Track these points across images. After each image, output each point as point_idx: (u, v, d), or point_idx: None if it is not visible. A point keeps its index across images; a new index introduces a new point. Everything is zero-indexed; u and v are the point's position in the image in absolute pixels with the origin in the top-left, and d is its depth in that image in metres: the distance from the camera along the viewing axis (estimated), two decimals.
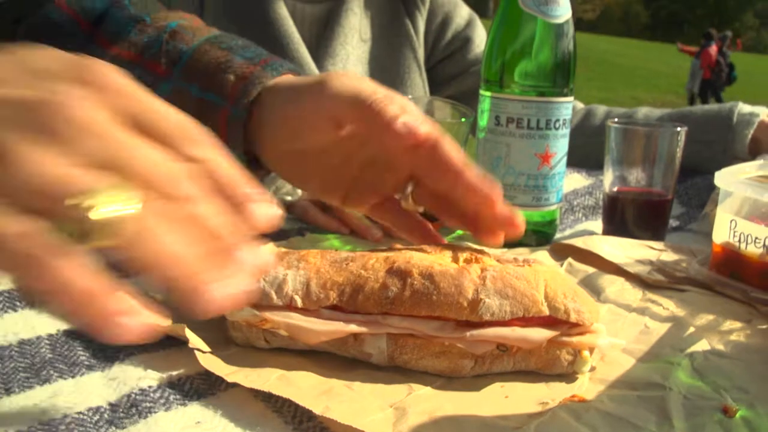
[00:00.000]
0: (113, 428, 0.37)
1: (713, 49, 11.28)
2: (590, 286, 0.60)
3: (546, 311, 0.43)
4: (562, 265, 0.65)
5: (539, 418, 0.39)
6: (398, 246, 0.50)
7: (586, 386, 0.44)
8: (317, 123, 0.53)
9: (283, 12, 0.99)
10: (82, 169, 0.27)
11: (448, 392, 0.42)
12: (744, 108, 0.95)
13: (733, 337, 0.52)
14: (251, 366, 0.43)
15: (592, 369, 0.45)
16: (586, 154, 0.95)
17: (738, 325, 0.54)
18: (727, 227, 0.63)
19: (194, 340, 0.44)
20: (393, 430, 0.37)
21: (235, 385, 0.42)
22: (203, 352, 0.43)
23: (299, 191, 0.76)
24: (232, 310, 0.44)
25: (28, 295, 0.50)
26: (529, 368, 0.45)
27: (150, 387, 0.41)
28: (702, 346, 0.49)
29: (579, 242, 0.68)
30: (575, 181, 0.92)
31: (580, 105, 1.11)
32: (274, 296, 0.44)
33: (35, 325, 0.48)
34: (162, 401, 0.40)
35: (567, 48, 0.70)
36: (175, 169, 0.30)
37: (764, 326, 0.54)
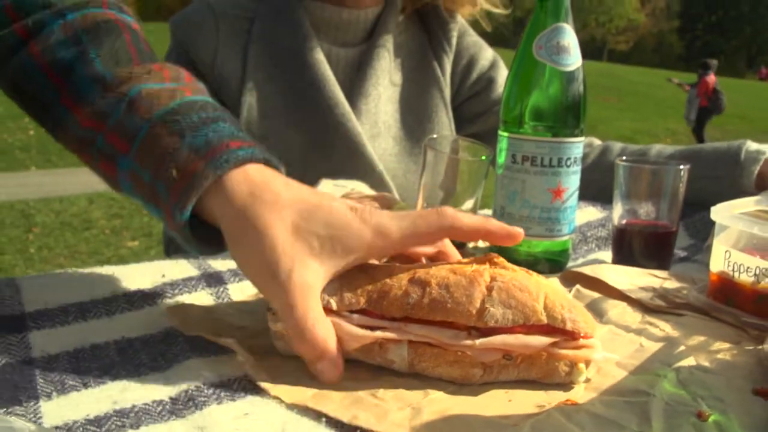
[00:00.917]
0: (174, 417, 0.45)
1: (711, 78, 11.46)
2: (594, 309, 0.67)
3: (544, 320, 0.50)
4: (570, 291, 0.71)
5: (535, 417, 0.45)
6: None
7: (581, 394, 0.50)
8: None
9: (320, 56, 1.08)
10: None
11: (459, 396, 0.49)
12: (752, 146, 1.00)
13: (720, 355, 0.57)
14: (292, 376, 0.50)
15: (587, 380, 0.52)
16: (601, 188, 1.01)
17: (726, 345, 0.60)
18: (722, 257, 0.69)
19: (241, 353, 0.51)
20: (409, 426, 0.44)
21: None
22: (248, 362, 0.51)
23: None
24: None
25: None
26: (531, 377, 0.51)
27: (204, 385, 0.49)
28: (689, 362, 0.55)
29: (587, 270, 0.75)
30: (590, 214, 0.99)
31: (597, 142, 1.17)
32: None
33: (104, 332, 0.56)
34: (214, 396, 0.47)
35: (577, 92, 0.77)
36: None
37: (751, 347, 0.60)
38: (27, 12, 0.61)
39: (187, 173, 0.52)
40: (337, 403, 0.47)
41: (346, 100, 1.07)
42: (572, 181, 0.78)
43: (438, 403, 0.48)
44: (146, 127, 0.55)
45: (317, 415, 0.46)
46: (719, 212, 0.70)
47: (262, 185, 0.52)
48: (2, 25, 0.61)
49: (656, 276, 0.76)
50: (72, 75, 0.59)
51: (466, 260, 0.56)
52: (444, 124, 1.19)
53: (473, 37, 1.26)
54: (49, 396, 0.46)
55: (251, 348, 0.52)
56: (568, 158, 0.77)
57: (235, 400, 0.47)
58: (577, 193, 0.80)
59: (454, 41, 1.22)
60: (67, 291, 0.61)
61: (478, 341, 0.49)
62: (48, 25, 0.61)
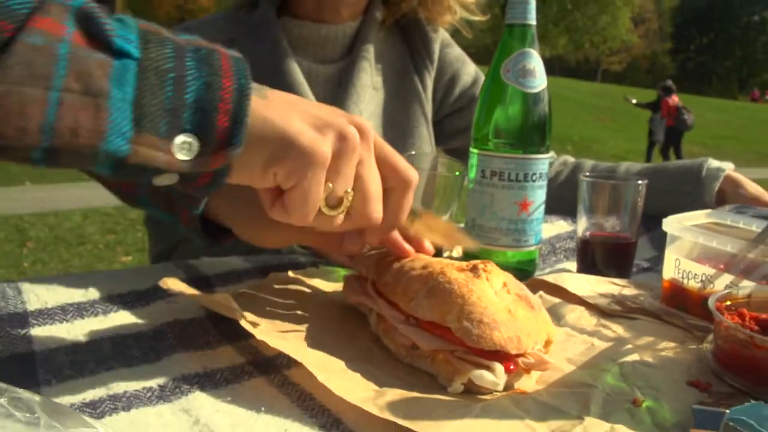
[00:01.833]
0: (162, 401, 0.50)
1: (673, 98, 11.85)
2: (554, 313, 0.72)
3: (451, 325, 0.54)
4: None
5: (486, 402, 0.51)
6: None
7: (532, 385, 0.55)
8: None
9: (298, 76, 1.10)
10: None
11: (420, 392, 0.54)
12: (713, 163, 1.06)
13: (664, 353, 0.63)
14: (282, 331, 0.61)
15: (464, 391, 0.54)
16: (573, 204, 1.07)
17: (672, 345, 0.65)
18: (673, 265, 0.75)
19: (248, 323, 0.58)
20: (372, 402, 0.49)
21: (254, 376, 0.54)
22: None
23: None
24: None
25: None
26: (431, 372, 0.56)
27: (190, 374, 0.54)
28: (633, 358, 0.61)
29: (550, 278, 0.80)
30: (560, 227, 1.04)
31: (571, 159, 1.23)
32: None
33: (100, 329, 0.61)
34: (198, 385, 0.52)
35: (542, 112, 0.83)
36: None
37: (694, 346, 0.65)
38: None
39: (198, 184, 0.63)
40: (314, 361, 0.53)
41: None
42: (538, 194, 0.84)
43: (399, 393, 0.53)
44: None
45: (285, 404, 0.51)
46: (670, 224, 0.76)
47: None
48: None
49: (616, 284, 0.82)
50: None
51: (465, 263, 0.61)
52: (425, 139, 1.22)
53: (456, 51, 1.28)
54: (48, 383, 0.51)
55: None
56: (534, 173, 0.82)
57: (217, 388, 0.52)
58: (543, 206, 0.85)
59: (436, 56, 1.23)
60: (66, 292, 0.67)
61: (399, 326, 0.58)
62: None
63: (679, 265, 0.74)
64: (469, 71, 1.28)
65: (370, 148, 0.57)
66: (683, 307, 0.74)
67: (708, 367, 0.60)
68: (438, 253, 0.80)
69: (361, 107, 1.14)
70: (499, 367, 0.53)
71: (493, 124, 0.83)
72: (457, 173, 0.88)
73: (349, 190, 0.55)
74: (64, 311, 0.63)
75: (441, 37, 1.25)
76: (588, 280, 0.81)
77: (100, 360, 0.56)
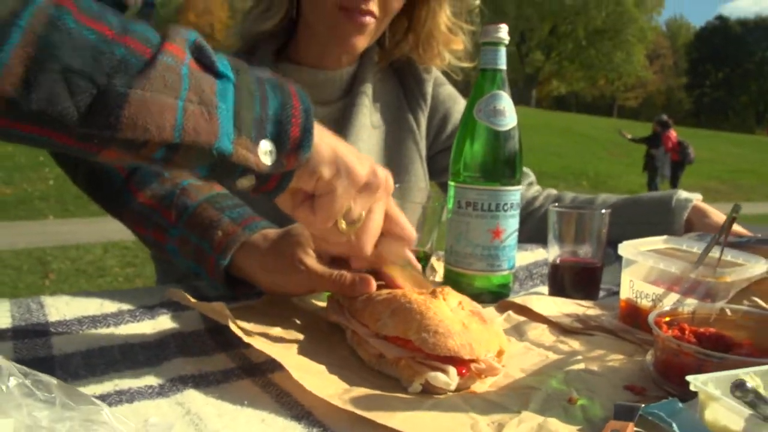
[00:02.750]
0: (160, 396, 0.58)
1: (672, 133, 11.92)
2: (518, 330, 0.79)
3: (411, 338, 0.62)
4: (502, 316, 0.84)
5: (437, 399, 0.58)
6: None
7: (484, 388, 0.63)
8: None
9: None
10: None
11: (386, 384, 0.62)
12: (682, 194, 1.14)
13: (610, 363, 0.70)
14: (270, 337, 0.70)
15: (423, 391, 0.61)
16: None
17: (620, 357, 0.72)
18: (628, 286, 0.82)
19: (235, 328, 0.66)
20: (339, 397, 0.57)
21: (241, 377, 0.62)
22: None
23: None
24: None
25: None
26: (396, 376, 0.63)
27: (186, 376, 0.62)
28: (580, 367, 0.68)
29: (518, 300, 0.88)
30: (538, 254, 1.12)
31: (553, 192, 1.31)
32: None
33: (111, 338, 0.70)
34: (192, 384, 0.61)
35: (512, 148, 0.91)
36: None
37: (640, 358, 0.72)
38: None
39: (228, 234, 0.80)
40: (293, 363, 0.61)
41: None
42: (510, 223, 0.92)
43: (365, 391, 0.61)
44: (195, 205, 0.84)
45: (268, 402, 0.59)
46: (625, 248, 0.83)
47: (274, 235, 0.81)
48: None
49: (581, 305, 0.89)
50: (138, 170, 0.88)
51: (426, 290, 0.71)
52: (419, 174, 1.30)
53: (447, 89, 1.36)
54: (65, 381, 0.60)
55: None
56: (506, 203, 0.90)
57: (209, 387, 0.60)
58: (515, 234, 0.93)
59: (429, 96, 1.31)
60: (83, 306, 0.75)
61: (369, 339, 0.66)
62: None
63: (633, 286, 0.82)
64: (460, 109, 1.34)
65: (388, 195, 0.71)
66: (637, 324, 0.81)
67: (648, 375, 0.67)
68: None
69: (360, 145, 1.21)
70: (452, 370, 0.60)
71: (468, 159, 0.92)
72: (436, 204, 0.96)
73: (363, 215, 0.68)
74: (80, 322, 0.72)
75: (434, 76, 1.33)
76: (555, 302, 0.89)
77: (109, 363, 0.64)
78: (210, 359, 0.66)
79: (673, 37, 59.21)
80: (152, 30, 0.56)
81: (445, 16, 1.21)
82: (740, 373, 0.54)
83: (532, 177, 1.35)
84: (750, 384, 0.46)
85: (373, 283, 0.73)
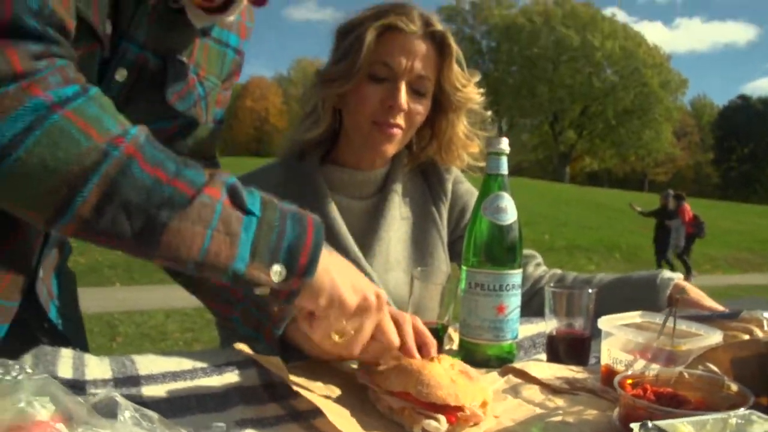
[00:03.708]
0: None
1: (686, 206, 11.80)
2: (515, 390, 0.91)
3: (410, 391, 0.76)
4: (503, 378, 0.96)
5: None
6: None
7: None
8: None
9: (335, 213, 1.32)
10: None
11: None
12: (665, 274, 1.26)
13: (585, 416, 0.81)
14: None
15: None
16: None
17: (595, 412, 0.84)
18: (607, 354, 0.94)
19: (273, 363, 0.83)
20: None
21: (289, 422, 0.76)
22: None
23: None
24: None
25: None
26: (401, 422, 0.77)
27: (245, 419, 0.76)
28: (558, 419, 0.80)
29: (518, 365, 1.00)
30: (541, 327, 1.23)
31: (558, 272, 1.43)
32: None
33: (187, 389, 0.84)
34: (251, 425, 0.74)
35: (513, 239, 1.05)
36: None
37: (610, 413, 0.83)
38: None
39: (282, 309, 0.95)
40: (331, 410, 0.74)
41: (362, 242, 1.33)
42: (513, 301, 1.05)
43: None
44: None
45: (315, 415, 0.73)
46: (604, 322, 0.95)
47: None
48: None
49: (572, 370, 1.00)
50: None
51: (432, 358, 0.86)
52: (441, 258, 1.44)
53: (465, 185, 1.51)
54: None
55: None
56: (508, 284, 1.04)
57: (264, 428, 0.74)
58: (518, 309, 1.06)
59: (449, 192, 1.47)
60: (165, 364, 0.90)
61: (383, 396, 0.79)
62: None
63: (610, 353, 0.93)
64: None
65: (380, 312, 0.86)
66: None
67: (613, 426, 0.78)
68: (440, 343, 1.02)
69: (391, 234, 1.38)
70: (441, 418, 0.75)
71: (476, 248, 1.06)
72: (452, 284, 1.10)
73: (353, 332, 0.84)
74: (164, 376, 0.87)
75: (454, 175, 1.49)
76: (550, 367, 1.00)
77: (186, 408, 0.78)
78: (264, 407, 0.80)
79: (698, 116, 59.07)
80: (202, 174, 0.73)
81: (462, 126, 1.38)
82: (676, 422, 0.66)
83: (539, 258, 1.48)
84: (651, 424, 0.58)
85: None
